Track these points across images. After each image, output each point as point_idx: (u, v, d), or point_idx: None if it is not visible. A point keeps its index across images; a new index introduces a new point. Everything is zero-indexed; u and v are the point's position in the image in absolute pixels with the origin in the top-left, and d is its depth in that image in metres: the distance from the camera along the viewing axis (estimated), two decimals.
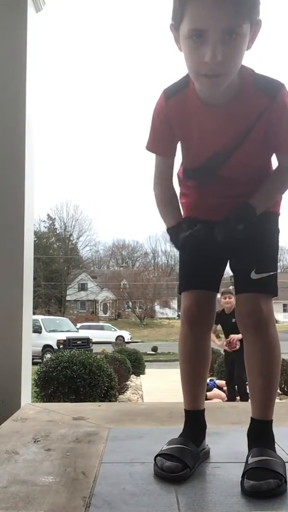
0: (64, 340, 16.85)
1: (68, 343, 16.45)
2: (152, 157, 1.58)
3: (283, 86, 1.35)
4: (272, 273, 1.46)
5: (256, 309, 1.42)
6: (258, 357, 1.46)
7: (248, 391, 1.63)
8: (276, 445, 1.46)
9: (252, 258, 1.47)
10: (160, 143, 1.52)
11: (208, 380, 8.11)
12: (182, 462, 1.41)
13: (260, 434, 1.45)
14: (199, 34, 1.21)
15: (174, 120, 1.44)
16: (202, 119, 1.40)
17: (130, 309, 46.48)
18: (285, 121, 1.36)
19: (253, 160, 1.45)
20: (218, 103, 1.36)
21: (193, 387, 1.61)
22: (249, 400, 1.56)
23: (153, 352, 21.86)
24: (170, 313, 46.96)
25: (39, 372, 5.42)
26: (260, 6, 1.25)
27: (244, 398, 5.43)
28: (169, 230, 1.51)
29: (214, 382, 7.56)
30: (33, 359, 2.86)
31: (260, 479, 1.29)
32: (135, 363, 10.90)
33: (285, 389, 6.83)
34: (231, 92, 1.33)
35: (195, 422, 1.58)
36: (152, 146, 1.53)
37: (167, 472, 1.40)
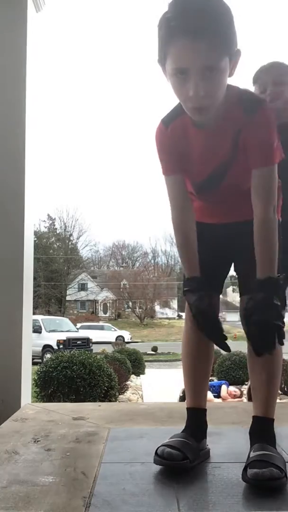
0: (64, 340, 16.82)
1: (68, 343, 16.43)
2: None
3: (264, 102, 1.43)
4: (277, 275, 1.47)
5: None
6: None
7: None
8: (276, 445, 1.46)
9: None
10: (172, 162, 1.54)
11: (216, 381, 8.08)
12: (183, 453, 1.43)
13: (262, 431, 1.47)
14: (182, 71, 1.30)
15: (175, 144, 1.50)
16: (199, 140, 1.48)
17: (130, 309, 46.41)
18: (257, 136, 1.40)
19: (249, 169, 1.47)
20: (208, 123, 1.43)
21: (195, 384, 1.63)
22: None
23: (153, 352, 21.84)
24: (170, 313, 46.88)
25: (39, 372, 5.43)
26: (237, 38, 1.32)
27: None
28: (184, 283, 1.52)
29: (220, 384, 7.54)
30: (33, 359, 2.86)
31: (263, 468, 1.30)
32: (135, 363, 10.90)
33: (285, 389, 6.83)
34: (218, 112, 1.40)
35: (196, 421, 1.59)
36: (166, 169, 1.54)
37: (168, 459, 1.41)
